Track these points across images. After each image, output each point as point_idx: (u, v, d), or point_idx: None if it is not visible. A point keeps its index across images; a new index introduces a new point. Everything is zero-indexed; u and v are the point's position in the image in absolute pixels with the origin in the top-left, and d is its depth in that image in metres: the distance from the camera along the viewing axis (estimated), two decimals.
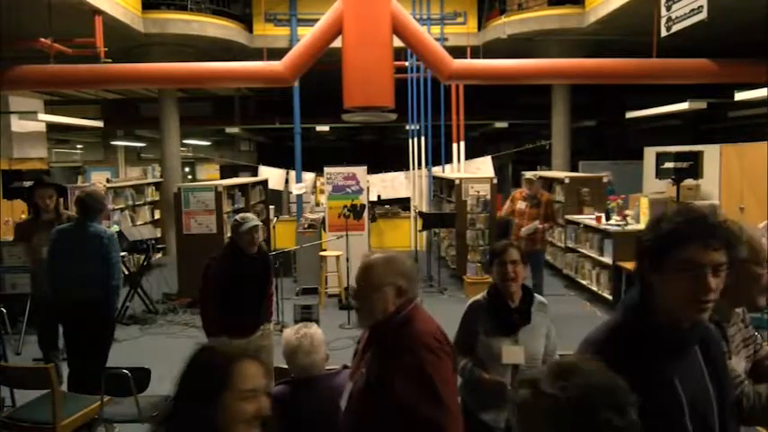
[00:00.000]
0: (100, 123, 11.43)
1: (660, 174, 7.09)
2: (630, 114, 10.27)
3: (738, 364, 1.97)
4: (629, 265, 6.84)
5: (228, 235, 8.19)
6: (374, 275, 1.96)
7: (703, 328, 1.43)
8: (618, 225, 7.44)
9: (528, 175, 7.47)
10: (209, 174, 18.49)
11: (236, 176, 13.72)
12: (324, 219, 8.83)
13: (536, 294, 2.92)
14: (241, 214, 4.14)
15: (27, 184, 6.08)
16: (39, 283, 4.92)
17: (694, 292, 1.33)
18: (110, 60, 7.80)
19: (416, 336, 1.92)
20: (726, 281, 1.35)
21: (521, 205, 7.26)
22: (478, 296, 2.94)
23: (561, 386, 1.01)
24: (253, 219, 4.02)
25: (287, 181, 12.59)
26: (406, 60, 10.69)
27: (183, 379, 1.48)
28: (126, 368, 3.52)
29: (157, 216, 11.65)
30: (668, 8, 6.36)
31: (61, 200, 5.20)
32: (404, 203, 12.73)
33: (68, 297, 4.32)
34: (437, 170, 11.80)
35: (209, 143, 18.32)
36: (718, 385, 1.44)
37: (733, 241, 1.35)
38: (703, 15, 5.74)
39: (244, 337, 3.98)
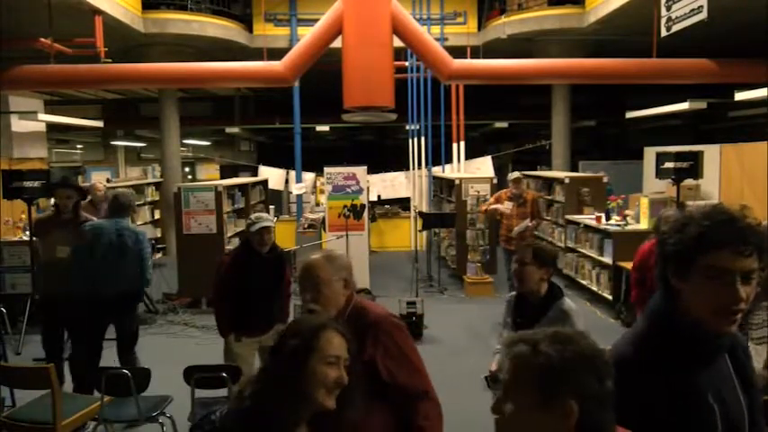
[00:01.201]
0: (100, 123, 11.42)
1: (660, 174, 7.08)
2: (630, 114, 10.27)
3: (756, 351, 1.95)
4: (630, 266, 6.83)
5: (229, 235, 8.25)
6: (322, 273, 2.08)
7: (732, 335, 1.36)
8: (618, 225, 7.44)
9: (514, 175, 7.47)
10: (209, 174, 18.48)
11: (237, 176, 13.72)
12: (324, 219, 8.84)
13: (566, 300, 2.96)
14: (256, 213, 4.13)
15: (28, 184, 6.06)
16: (47, 282, 4.93)
17: (723, 300, 1.25)
18: (110, 60, 7.80)
19: (380, 318, 2.11)
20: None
21: (507, 205, 7.29)
22: (515, 292, 3.17)
23: (557, 348, 1.14)
24: (265, 219, 3.99)
25: (287, 181, 12.60)
26: (406, 60, 10.69)
27: (273, 347, 1.57)
28: (126, 368, 3.52)
29: (157, 216, 11.65)
30: (668, 8, 6.36)
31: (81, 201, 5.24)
32: (404, 203, 12.74)
33: (109, 293, 4.49)
34: (437, 170, 11.80)
35: (209, 143, 18.32)
36: (747, 392, 1.39)
37: (765, 246, 1.26)
38: (703, 15, 5.74)
39: (255, 336, 3.99)
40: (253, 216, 4.07)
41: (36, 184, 6.08)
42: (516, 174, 7.50)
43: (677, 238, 1.29)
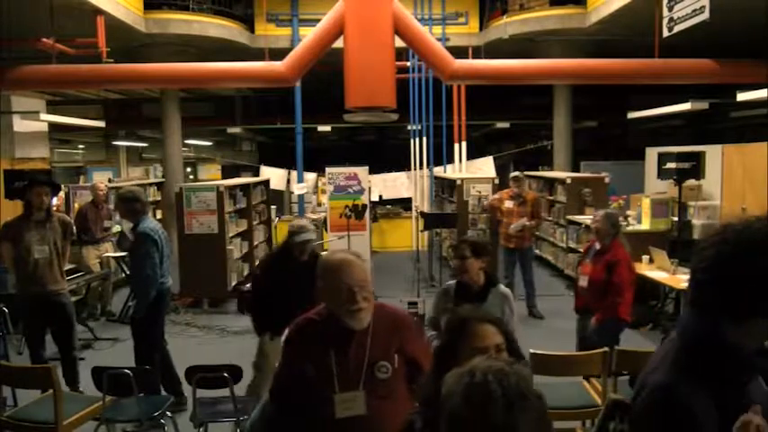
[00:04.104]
0: (102, 123, 11.43)
1: (662, 174, 7.08)
2: (632, 115, 10.26)
3: None
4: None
5: (230, 235, 8.26)
6: (366, 273, 2.09)
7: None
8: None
9: (514, 174, 7.48)
10: (210, 174, 18.50)
11: (238, 176, 13.72)
12: (325, 219, 8.84)
13: (501, 286, 3.41)
14: (298, 222, 4.15)
15: (20, 184, 6.03)
16: (24, 284, 4.76)
17: None
18: (111, 60, 7.81)
19: (405, 315, 2.26)
20: None
21: (508, 204, 7.30)
22: (452, 282, 3.49)
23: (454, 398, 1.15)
24: (308, 231, 4.04)
25: (288, 181, 12.60)
26: (407, 60, 10.68)
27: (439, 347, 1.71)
28: (127, 368, 3.53)
29: (159, 216, 11.65)
30: (670, 8, 6.35)
31: (54, 199, 5.15)
32: (405, 204, 12.73)
33: (167, 288, 4.71)
34: (439, 170, 11.79)
35: (210, 143, 18.33)
36: None
37: None
38: (705, 16, 5.73)
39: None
40: (295, 224, 4.10)
41: None
42: (516, 173, 7.51)
43: (745, 270, 1.22)
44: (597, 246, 4.51)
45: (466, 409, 1.09)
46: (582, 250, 4.91)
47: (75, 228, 5.26)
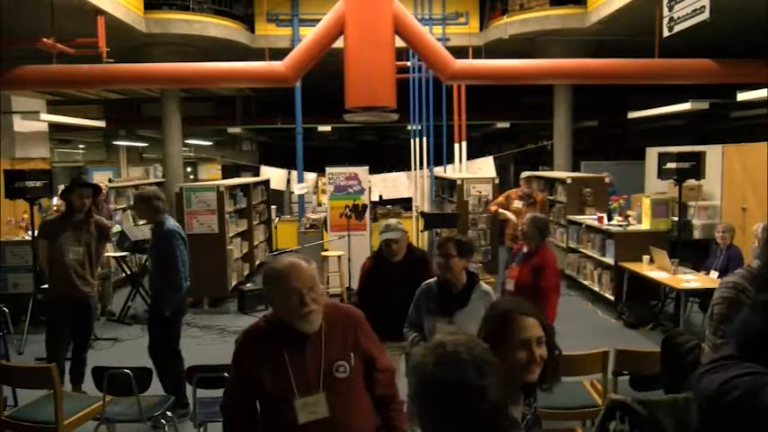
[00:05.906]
0: (102, 123, 11.43)
1: (662, 174, 7.08)
2: (632, 114, 10.26)
3: None
4: (631, 266, 6.84)
5: (230, 235, 8.26)
6: (315, 273, 2.07)
7: None
8: (620, 226, 7.43)
9: (525, 174, 7.54)
10: (210, 174, 18.48)
11: (238, 176, 13.73)
12: (326, 219, 8.85)
13: (483, 284, 3.37)
14: (385, 221, 4.07)
15: (30, 184, 6.07)
16: (54, 284, 4.81)
17: None
18: (112, 60, 7.81)
19: (355, 311, 2.24)
20: None
21: (517, 204, 7.32)
22: (431, 280, 3.41)
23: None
24: (392, 230, 3.92)
25: (289, 181, 12.61)
26: (407, 60, 10.68)
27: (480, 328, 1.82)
28: (128, 368, 3.53)
29: None
30: (670, 8, 6.36)
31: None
32: (405, 204, 12.73)
33: (187, 288, 4.64)
34: (439, 170, 11.79)
35: (210, 143, 18.34)
36: None
37: None
38: (705, 16, 5.73)
39: (398, 341, 3.72)
40: (382, 225, 4.04)
41: (38, 184, 6.08)
42: (528, 173, 7.59)
43: None
44: (525, 249, 4.41)
45: (443, 374, 1.23)
46: (513, 252, 4.77)
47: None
